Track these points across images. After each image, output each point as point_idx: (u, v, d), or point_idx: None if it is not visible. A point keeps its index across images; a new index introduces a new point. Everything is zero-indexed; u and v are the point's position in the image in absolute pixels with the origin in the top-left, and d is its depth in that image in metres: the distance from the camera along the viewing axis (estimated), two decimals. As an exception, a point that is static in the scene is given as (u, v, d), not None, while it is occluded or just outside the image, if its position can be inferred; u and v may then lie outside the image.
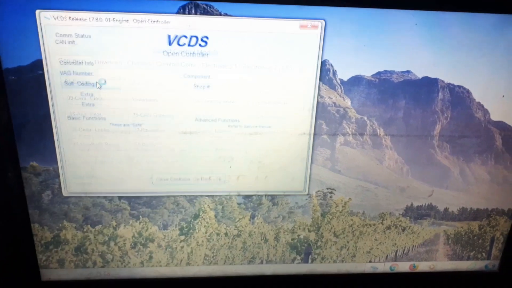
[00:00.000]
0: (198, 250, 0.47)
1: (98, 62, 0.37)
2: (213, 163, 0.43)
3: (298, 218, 0.47)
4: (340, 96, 0.41)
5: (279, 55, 0.39)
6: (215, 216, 0.46)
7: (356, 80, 0.41)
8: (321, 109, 0.42)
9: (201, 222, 0.46)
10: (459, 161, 0.46)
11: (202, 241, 0.47)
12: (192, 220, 0.45)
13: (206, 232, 0.46)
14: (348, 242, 0.49)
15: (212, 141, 0.42)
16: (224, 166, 0.43)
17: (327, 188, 0.45)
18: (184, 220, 0.45)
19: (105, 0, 0.35)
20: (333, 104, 0.42)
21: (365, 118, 0.43)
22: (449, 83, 0.42)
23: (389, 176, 0.46)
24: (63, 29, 0.36)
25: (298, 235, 0.48)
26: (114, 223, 0.44)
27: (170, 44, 0.37)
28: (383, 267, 0.51)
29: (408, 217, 0.48)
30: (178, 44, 0.37)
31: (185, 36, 0.37)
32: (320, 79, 0.40)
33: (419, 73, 0.41)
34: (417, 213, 0.48)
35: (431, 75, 0.41)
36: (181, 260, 0.47)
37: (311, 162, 0.44)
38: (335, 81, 0.40)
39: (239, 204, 0.45)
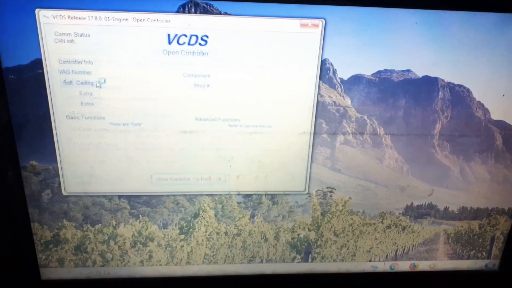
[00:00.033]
0: (198, 249, 0.47)
1: (97, 61, 0.37)
2: (213, 163, 0.43)
3: (298, 217, 0.47)
4: (340, 95, 0.41)
5: (279, 54, 0.38)
6: (215, 215, 0.46)
7: (356, 79, 0.40)
8: (321, 108, 0.42)
9: (201, 221, 0.46)
10: (459, 160, 0.46)
11: (202, 240, 0.47)
12: (192, 219, 0.45)
13: (206, 231, 0.46)
14: (348, 241, 0.49)
15: (212, 141, 0.42)
16: (224, 165, 0.43)
17: (327, 187, 0.45)
18: (184, 219, 0.45)
19: (105, -1, 0.35)
20: (333, 103, 0.42)
21: (365, 117, 0.43)
22: (449, 82, 0.42)
23: (389, 175, 0.46)
24: (62, 28, 0.36)
25: (298, 234, 0.48)
26: (114, 222, 0.44)
27: (169, 43, 0.37)
28: (383, 266, 0.51)
29: (408, 216, 0.48)
30: (178, 43, 0.37)
31: (185, 35, 0.37)
32: (320, 78, 0.40)
33: (419, 72, 0.41)
34: (417, 212, 0.48)
35: (431, 74, 0.41)
36: (181, 259, 0.47)
37: (311, 161, 0.44)
38: (335, 80, 0.40)
39: (239, 203, 0.45)
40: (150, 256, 0.47)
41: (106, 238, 0.45)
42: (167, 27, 0.36)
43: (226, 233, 0.47)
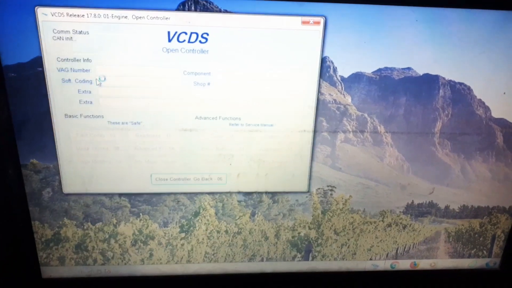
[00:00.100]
0: (198, 247, 0.47)
1: (96, 59, 0.37)
2: (213, 162, 0.43)
3: (298, 216, 0.47)
4: (341, 93, 0.41)
5: (280, 52, 0.38)
6: (216, 214, 0.46)
7: (357, 77, 0.40)
8: (321, 106, 0.42)
9: (201, 220, 0.46)
10: (460, 159, 0.46)
11: (203, 239, 0.47)
12: (193, 217, 0.45)
13: (206, 230, 0.46)
14: (348, 239, 0.49)
15: (213, 140, 0.42)
16: (224, 164, 0.43)
17: (328, 186, 0.45)
18: (185, 218, 0.45)
19: (105, -3, 0.35)
20: (333, 101, 0.42)
21: (366, 115, 0.43)
22: (450, 80, 0.42)
23: (389, 174, 0.45)
24: (61, 26, 0.36)
25: (299, 233, 0.48)
26: (114, 221, 0.44)
27: (169, 40, 0.37)
28: (383, 265, 0.51)
29: (409, 215, 0.48)
30: (178, 41, 0.37)
31: (185, 33, 0.37)
32: (320, 76, 0.40)
33: (420, 70, 0.41)
34: (418, 211, 0.48)
35: (432, 72, 0.41)
36: (182, 258, 0.47)
37: (312, 160, 0.44)
38: (335, 78, 0.40)
39: (239, 201, 0.45)
40: (151, 255, 0.47)
41: (107, 236, 0.45)
42: (167, 25, 0.36)
43: (226, 231, 0.47)
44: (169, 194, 0.44)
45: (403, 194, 0.47)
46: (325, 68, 0.40)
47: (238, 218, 0.46)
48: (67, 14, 0.35)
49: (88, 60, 0.37)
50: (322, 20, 0.37)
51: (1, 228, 0.43)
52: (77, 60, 0.37)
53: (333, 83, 0.41)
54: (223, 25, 0.37)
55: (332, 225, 0.48)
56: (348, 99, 0.42)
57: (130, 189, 0.43)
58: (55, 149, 0.40)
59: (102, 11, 0.35)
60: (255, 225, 0.47)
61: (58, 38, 0.36)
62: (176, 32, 0.37)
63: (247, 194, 0.45)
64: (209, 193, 0.44)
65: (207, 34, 0.37)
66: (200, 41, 0.37)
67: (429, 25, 0.39)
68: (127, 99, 0.39)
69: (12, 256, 0.45)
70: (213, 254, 0.48)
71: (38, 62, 0.37)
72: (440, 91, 0.42)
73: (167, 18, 0.36)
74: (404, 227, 0.49)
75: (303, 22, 0.37)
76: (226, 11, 0.37)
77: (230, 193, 0.45)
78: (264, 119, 0.41)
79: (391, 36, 0.39)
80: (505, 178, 0.47)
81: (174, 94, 0.39)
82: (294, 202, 0.46)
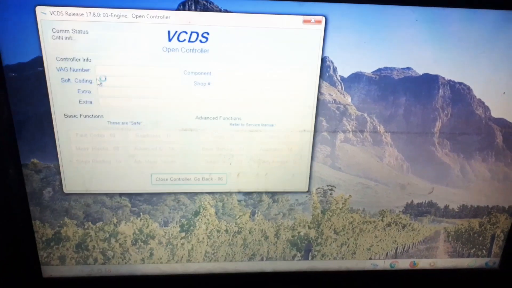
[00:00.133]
0: (198, 247, 0.47)
1: (95, 59, 0.37)
2: (213, 161, 0.43)
3: (298, 215, 0.47)
4: (340, 93, 0.41)
5: (281, 51, 0.38)
6: (216, 213, 0.46)
7: (357, 77, 0.40)
8: (321, 106, 0.42)
9: (201, 219, 0.46)
10: (460, 158, 0.46)
11: (203, 238, 0.47)
12: (193, 217, 0.45)
13: (206, 229, 0.46)
14: (348, 239, 0.49)
15: (213, 140, 0.42)
16: (224, 163, 0.43)
17: (327, 185, 0.45)
18: (185, 217, 0.45)
19: (105, -3, 0.35)
20: (333, 101, 0.42)
21: (365, 115, 0.43)
22: (450, 80, 0.42)
23: (389, 173, 0.46)
24: (60, 25, 0.36)
25: (299, 232, 0.48)
26: (115, 220, 0.44)
27: (170, 40, 0.37)
28: (383, 264, 0.51)
29: (409, 214, 0.48)
30: (178, 40, 0.37)
31: (185, 32, 0.37)
32: (320, 76, 0.40)
33: (420, 70, 0.41)
34: (417, 210, 0.48)
35: (432, 71, 0.41)
36: (182, 257, 0.47)
37: (312, 159, 0.44)
38: (335, 78, 0.40)
39: (239, 201, 0.45)
40: (151, 254, 0.47)
41: (107, 236, 0.45)
42: (167, 24, 0.36)
43: (226, 231, 0.47)
44: (169, 193, 0.44)
45: (403, 193, 0.47)
46: (325, 68, 0.40)
47: (238, 218, 0.46)
48: (66, 13, 0.35)
49: (87, 59, 0.37)
50: (323, 19, 0.38)
51: (2, 227, 0.43)
52: (77, 59, 0.37)
53: (333, 83, 0.41)
54: (224, 24, 0.37)
55: (331, 225, 0.48)
56: (348, 99, 0.42)
57: (130, 188, 0.43)
58: (56, 148, 0.40)
59: (101, 10, 0.35)
60: (255, 225, 0.47)
61: (57, 38, 0.36)
62: (176, 32, 0.37)
63: (247, 193, 0.45)
64: (209, 193, 0.45)
65: (208, 34, 0.37)
66: (200, 41, 0.37)
67: (429, 25, 0.39)
68: (127, 99, 0.39)
69: (12, 256, 0.45)
70: (213, 254, 0.48)
71: (38, 61, 0.37)
72: (440, 91, 0.42)
73: (167, 17, 0.36)
74: (404, 226, 0.49)
75: (305, 21, 0.37)
76: (226, 11, 0.37)
77: (230, 192, 0.45)
78: (264, 119, 0.41)
79: (391, 36, 0.39)
80: (504, 177, 0.47)
81: (174, 94, 0.39)
82: (294, 201, 0.46)
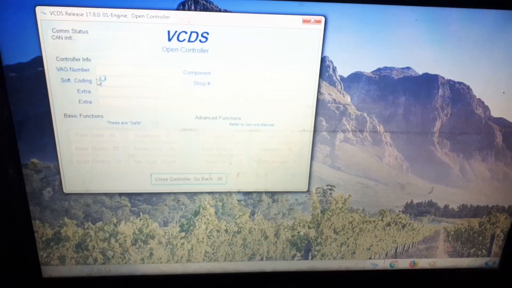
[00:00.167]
0: (198, 246, 0.47)
1: (95, 59, 0.37)
2: (213, 161, 0.43)
3: (298, 215, 0.47)
4: (340, 93, 0.41)
5: (281, 51, 0.38)
6: (215, 213, 0.46)
7: (356, 77, 0.40)
8: (321, 106, 0.42)
9: (201, 219, 0.46)
10: (459, 158, 0.46)
11: (203, 238, 0.47)
12: (192, 217, 0.45)
13: (206, 229, 0.46)
14: (348, 239, 0.49)
15: (213, 139, 0.42)
16: (224, 163, 0.43)
17: (327, 185, 0.45)
18: (185, 217, 0.45)
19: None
20: (333, 101, 0.42)
21: (365, 114, 0.43)
22: (449, 80, 0.42)
23: (389, 173, 0.46)
24: (60, 25, 0.36)
25: (298, 232, 0.48)
26: (114, 220, 0.44)
27: (169, 39, 0.37)
28: (383, 264, 0.51)
29: (408, 214, 0.48)
30: (178, 40, 0.37)
31: (185, 32, 0.37)
32: (320, 76, 0.40)
33: (419, 70, 0.41)
34: (417, 210, 0.48)
35: (431, 71, 0.41)
36: (182, 257, 0.47)
37: (312, 159, 0.44)
38: (335, 78, 0.40)
39: (239, 201, 0.45)
40: (151, 254, 0.47)
41: (107, 235, 0.45)
42: (167, 24, 0.36)
43: (226, 230, 0.47)
44: (169, 193, 0.44)
45: (402, 193, 0.47)
46: (325, 68, 0.40)
47: (238, 218, 0.46)
48: (66, 13, 0.35)
49: (87, 59, 0.37)
50: (322, 19, 0.38)
51: (2, 227, 0.43)
52: (77, 59, 0.37)
53: (332, 83, 0.41)
54: (223, 24, 0.37)
55: (331, 224, 0.48)
56: (348, 99, 0.42)
57: (130, 188, 0.43)
58: (56, 148, 0.40)
59: (101, 10, 0.35)
60: (255, 225, 0.47)
61: (57, 37, 0.36)
62: (176, 31, 0.37)
63: (247, 193, 0.45)
64: (209, 193, 0.45)
65: (207, 33, 0.37)
66: (200, 41, 0.37)
67: (428, 25, 0.39)
68: (127, 99, 0.39)
69: (12, 256, 0.45)
70: (213, 253, 0.48)
71: (38, 61, 0.37)
72: (440, 90, 0.42)
73: (167, 17, 0.36)
74: (404, 226, 0.49)
75: (304, 21, 0.37)
76: (226, 11, 0.37)
77: (230, 192, 0.45)
78: (264, 119, 0.41)
79: (390, 36, 0.39)
80: (504, 177, 0.47)
81: (174, 93, 0.39)
82: (294, 201, 0.46)
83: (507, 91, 0.43)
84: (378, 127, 0.43)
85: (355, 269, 0.51)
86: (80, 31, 0.36)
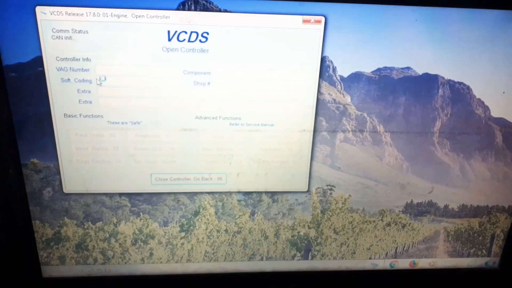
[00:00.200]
0: (198, 246, 0.47)
1: (95, 59, 0.37)
2: (213, 161, 0.43)
3: (298, 215, 0.47)
4: (340, 93, 0.41)
5: (281, 51, 0.38)
6: (215, 213, 0.46)
7: (356, 77, 0.40)
8: (321, 106, 0.42)
9: (201, 219, 0.46)
10: (459, 158, 0.46)
11: (203, 238, 0.47)
12: (192, 217, 0.45)
13: (206, 229, 0.46)
14: (348, 239, 0.49)
15: (213, 139, 0.42)
16: (224, 163, 0.43)
17: (327, 185, 0.46)
18: (185, 217, 0.45)
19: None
20: (333, 101, 0.42)
21: (365, 114, 0.43)
22: (449, 80, 0.42)
23: (389, 173, 0.46)
24: (60, 25, 0.36)
25: (298, 232, 0.48)
26: (114, 220, 0.44)
27: (169, 39, 0.37)
28: (383, 264, 0.51)
29: (408, 214, 0.48)
30: (178, 40, 0.37)
31: (185, 32, 0.37)
32: (320, 76, 0.40)
33: (419, 70, 0.41)
34: (417, 210, 0.48)
35: (431, 71, 0.41)
36: (182, 257, 0.47)
37: (312, 159, 0.44)
38: (335, 78, 0.40)
39: (239, 201, 0.45)
40: (151, 254, 0.47)
41: (107, 235, 0.45)
42: (167, 23, 0.36)
43: (226, 230, 0.47)
44: (169, 193, 0.44)
45: (402, 193, 0.47)
46: (325, 68, 0.40)
47: (238, 218, 0.46)
48: (66, 13, 0.35)
49: (87, 59, 0.37)
50: (322, 19, 0.38)
51: (2, 227, 0.43)
52: (77, 59, 0.37)
53: (332, 83, 0.41)
54: (223, 24, 0.37)
55: (331, 224, 0.48)
56: (348, 99, 0.42)
57: (130, 188, 0.43)
58: (56, 148, 0.40)
59: (101, 10, 0.35)
60: (255, 225, 0.47)
61: (57, 37, 0.36)
62: (176, 31, 0.37)
63: (247, 193, 0.45)
64: (209, 193, 0.45)
65: (207, 33, 0.37)
66: (200, 41, 0.37)
67: (428, 25, 0.39)
68: (127, 99, 0.39)
69: (12, 256, 0.45)
70: (213, 253, 0.48)
71: (38, 61, 0.37)
72: (440, 90, 0.42)
73: (167, 17, 0.36)
74: (404, 226, 0.49)
75: (304, 21, 0.37)
76: (226, 11, 0.37)
77: (230, 192, 0.45)
78: (264, 119, 0.41)
79: (390, 36, 0.39)
80: (504, 177, 0.47)
81: (174, 93, 0.39)
82: (294, 201, 0.46)
83: (507, 91, 0.43)
84: (378, 127, 0.43)
85: (355, 269, 0.51)
86: (80, 31, 0.36)
